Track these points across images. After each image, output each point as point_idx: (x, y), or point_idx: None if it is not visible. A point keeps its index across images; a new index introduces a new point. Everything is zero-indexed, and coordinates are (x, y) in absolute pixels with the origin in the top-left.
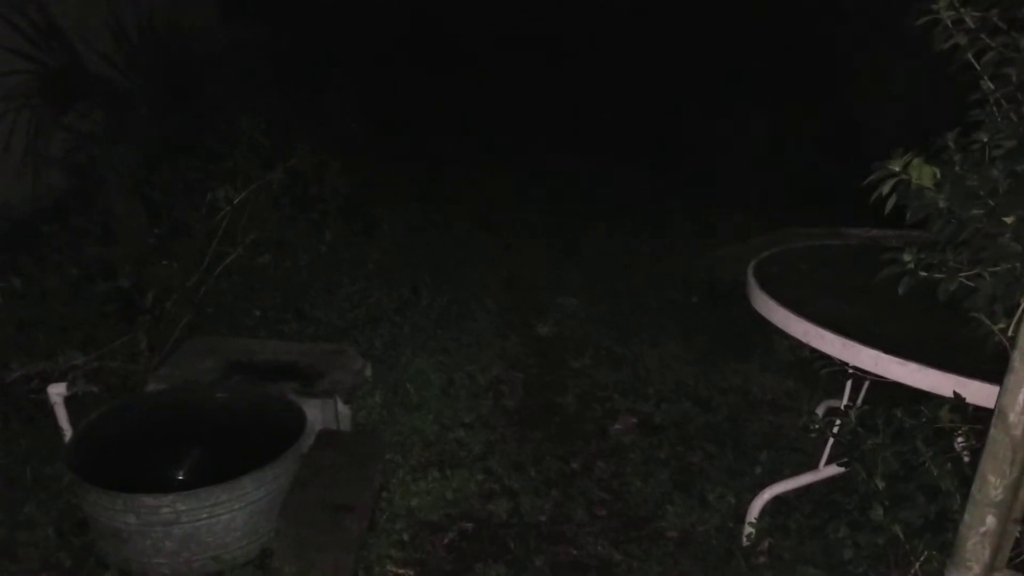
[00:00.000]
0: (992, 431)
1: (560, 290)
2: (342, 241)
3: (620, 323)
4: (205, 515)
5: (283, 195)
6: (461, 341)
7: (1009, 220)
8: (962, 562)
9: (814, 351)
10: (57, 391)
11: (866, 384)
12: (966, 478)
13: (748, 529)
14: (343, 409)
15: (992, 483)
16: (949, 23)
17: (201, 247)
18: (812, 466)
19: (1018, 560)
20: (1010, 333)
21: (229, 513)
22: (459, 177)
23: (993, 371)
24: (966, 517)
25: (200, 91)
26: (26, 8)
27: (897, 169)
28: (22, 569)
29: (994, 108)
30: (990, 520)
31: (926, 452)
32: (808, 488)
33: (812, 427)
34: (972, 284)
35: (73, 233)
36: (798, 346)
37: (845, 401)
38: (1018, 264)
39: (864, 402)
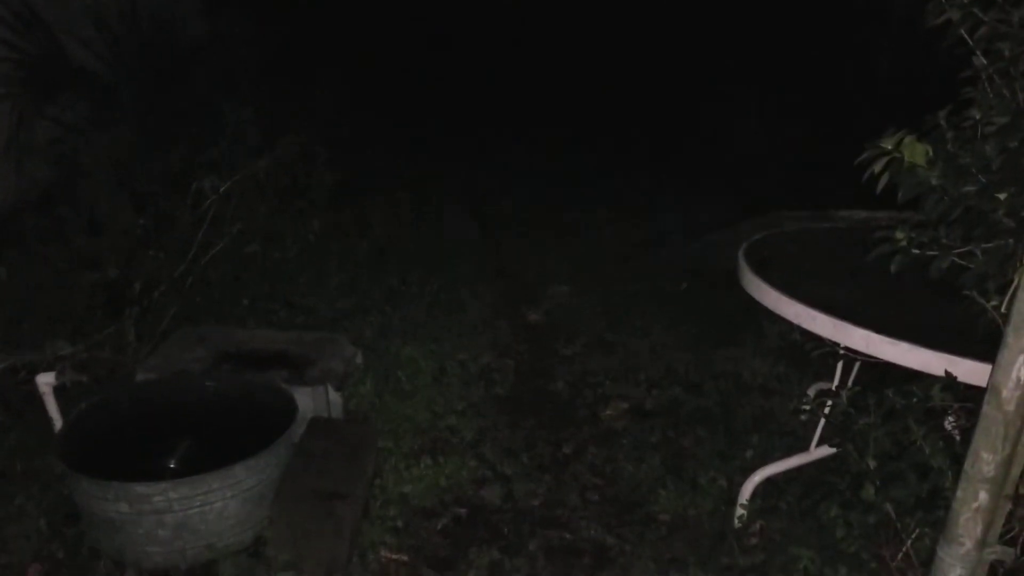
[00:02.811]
0: (985, 407)
1: (551, 279)
2: (332, 231)
3: (610, 311)
4: (198, 503)
5: (270, 185)
6: (452, 329)
7: (1002, 196)
8: (954, 538)
9: (804, 333)
10: (46, 381)
11: (856, 366)
12: (957, 456)
13: (740, 511)
14: (334, 397)
15: (985, 459)
16: None
17: (188, 237)
18: (803, 448)
19: (1009, 536)
20: (1003, 310)
21: (222, 501)
22: (450, 167)
23: (984, 350)
24: (959, 493)
25: (184, 81)
26: None
27: (889, 148)
28: (14, 561)
29: (986, 85)
30: (983, 496)
31: (918, 431)
32: (799, 470)
33: (803, 409)
34: (964, 263)
35: (59, 224)
36: (788, 330)
37: (836, 383)
38: (1011, 240)
39: (854, 384)
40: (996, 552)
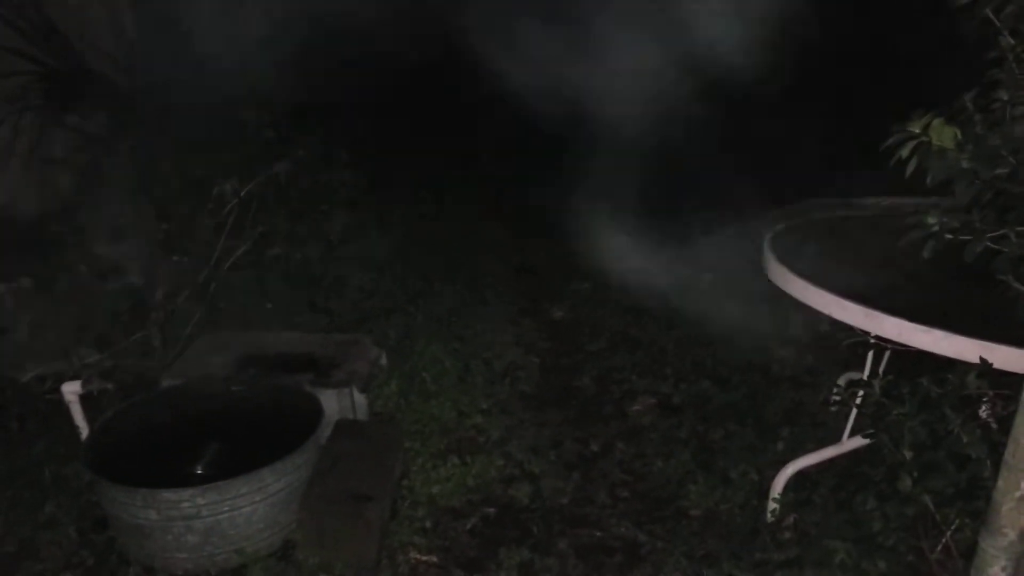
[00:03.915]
0: None
1: (573, 275)
2: (352, 233)
3: (634, 305)
4: (226, 508)
5: (291, 187)
6: (475, 328)
7: None
8: (997, 528)
9: (834, 323)
10: (72, 389)
11: (887, 355)
12: (995, 445)
13: (772, 505)
14: (359, 398)
15: None
16: None
17: (210, 242)
18: (834, 440)
19: None
20: None
21: (250, 505)
22: (468, 164)
23: (1021, 335)
24: (1000, 482)
25: (202, 86)
26: (25, 9)
27: (917, 131)
28: (46, 568)
29: (1014, 65)
30: None
31: (955, 420)
32: (831, 462)
33: (834, 400)
34: (998, 247)
35: (81, 233)
36: (815, 321)
37: (867, 372)
38: None
39: (885, 373)
40: None
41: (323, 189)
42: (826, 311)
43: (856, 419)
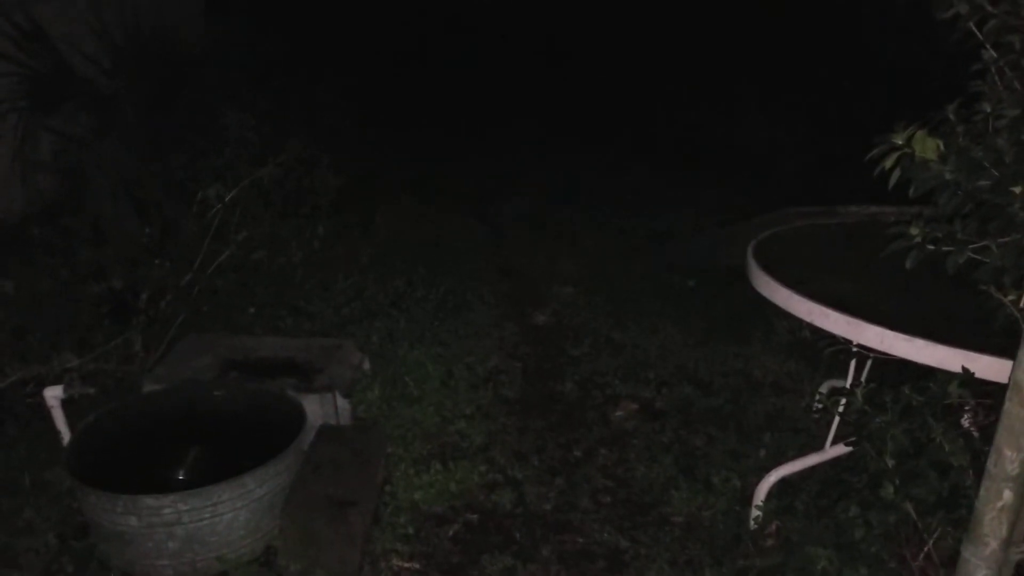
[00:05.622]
0: (1007, 404)
1: (557, 279)
2: (335, 236)
3: (618, 310)
4: (208, 514)
5: (274, 191)
6: (459, 332)
7: (1017, 190)
8: (979, 538)
9: (816, 331)
10: (53, 394)
11: (868, 362)
12: (977, 453)
13: (755, 512)
14: (342, 403)
15: (1008, 457)
16: None
17: (193, 246)
18: (816, 447)
19: None
20: (1021, 305)
21: (232, 511)
22: (452, 170)
23: (1002, 345)
24: (982, 492)
25: (186, 90)
26: (10, 11)
27: (900, 142)
28: None
29: (996, 78)
30: (1007, 494)
31: (937, 428)
32: (813, 469)
33: (816, 407)
34: (980, 257)
35: (64, 236)
36: (798, 327)
37: (850, 380)
38: None
39: (867, 381)
40: (1023, 552)
41: (306, 193)
42: (810, 319)
43: (839, 427)
